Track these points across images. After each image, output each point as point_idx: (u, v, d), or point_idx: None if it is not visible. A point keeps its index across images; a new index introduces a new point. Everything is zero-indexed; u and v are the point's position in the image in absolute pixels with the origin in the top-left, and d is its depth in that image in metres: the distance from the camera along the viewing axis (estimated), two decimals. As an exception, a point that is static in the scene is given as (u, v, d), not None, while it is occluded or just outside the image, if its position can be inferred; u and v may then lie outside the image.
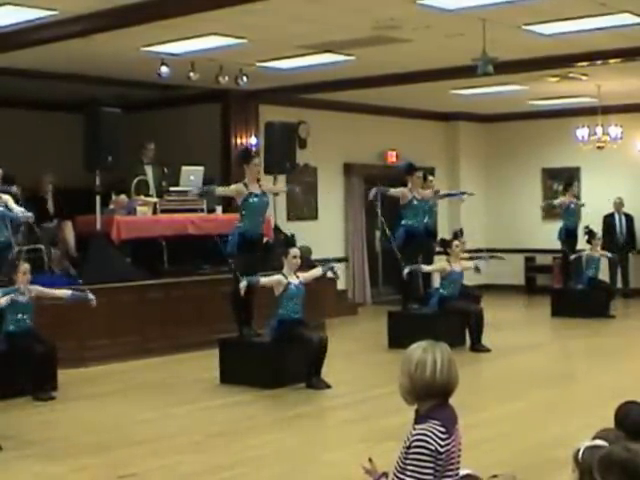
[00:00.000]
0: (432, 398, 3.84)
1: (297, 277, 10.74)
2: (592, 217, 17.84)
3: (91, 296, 10.56)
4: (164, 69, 13.30)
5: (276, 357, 10.84)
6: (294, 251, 10.79)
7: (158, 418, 9.34)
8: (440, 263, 13.61)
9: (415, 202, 13.57)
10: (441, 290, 13.34)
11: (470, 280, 15.95)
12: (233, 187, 11.60)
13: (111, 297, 12.36)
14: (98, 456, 7.87)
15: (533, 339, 14.35)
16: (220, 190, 12.06)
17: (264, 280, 10.67)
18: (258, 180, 11.74)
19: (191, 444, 8.28)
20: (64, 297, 10.61)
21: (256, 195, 11.30)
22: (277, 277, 10.64)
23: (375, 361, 12.50)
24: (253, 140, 16.81)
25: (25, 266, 10.36)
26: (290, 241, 11.01)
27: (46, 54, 12.43)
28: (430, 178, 14.51)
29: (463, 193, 15.63)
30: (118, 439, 8.45)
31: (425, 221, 13.78)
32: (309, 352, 10.54)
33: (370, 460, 4.05)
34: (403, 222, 13.64)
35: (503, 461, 7.40)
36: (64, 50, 12.13)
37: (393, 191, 13.69)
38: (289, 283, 10.58)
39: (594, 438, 4.01)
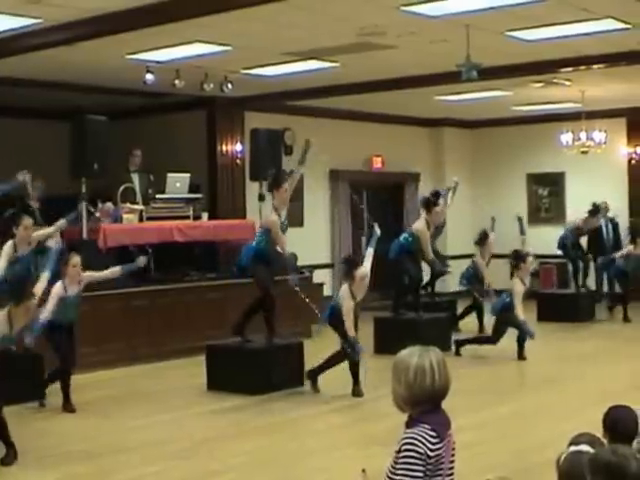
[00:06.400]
0: (428, 403, 3.83)
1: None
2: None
3: (141, 260, 10.55)
4: (149, 76, 13.30)
5: (263, 363, 10.87)
6: (362, 271, 10.68)
7: (146, 425, 9.34)
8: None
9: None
10: None
11: (457, 286, 16.05)
12: (273, 224, 10.91)
13: (98, 305, 12.35)
14: (88, 464, 7.88)
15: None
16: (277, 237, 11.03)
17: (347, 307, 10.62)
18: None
19: (180, 451, 8.30)
20: (118, 273, 10.58)
21: (283, 223, 11.01)
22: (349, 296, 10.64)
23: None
24: (239, 147, 16.83)
25: (76, 259, 10.06)
26: (355, 263, 10.93)
27: (31, 62, 12.42)
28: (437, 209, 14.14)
29: (449, 189, 15.56)
30: (107, 446, 8.46)
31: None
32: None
33: (363, 470, 4.04)
34: (402, 240, 13.62)
35: (492, 464, 7.45)
36: (49, 58, 12.11)
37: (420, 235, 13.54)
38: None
39: (570, 444, 4.05)
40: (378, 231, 11.41)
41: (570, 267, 17.99)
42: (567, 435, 4.20)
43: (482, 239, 15.44)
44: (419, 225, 13.61)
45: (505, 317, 12.85)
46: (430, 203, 13.64)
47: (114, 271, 10.57)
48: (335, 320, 10.68)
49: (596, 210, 17.18)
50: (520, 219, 14.79)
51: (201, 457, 8.10)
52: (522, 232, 14.46)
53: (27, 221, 10.57)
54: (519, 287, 12.84)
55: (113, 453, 8.22)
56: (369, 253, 11.10)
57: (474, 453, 7.46)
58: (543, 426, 8.93)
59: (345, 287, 10.69)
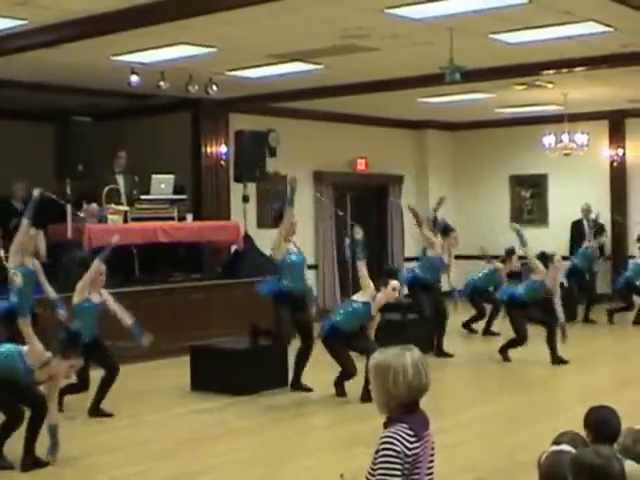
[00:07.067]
0: (412, 403, 3.86)
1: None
2: (561, 224, 17.95)
3: (146, 340, 9.96)
4: (134, 78, 13.29)
5: (247, 364, 10.90)
6: (396, 283, 10.62)
7: (131, 425, 9.38)
8: None
9: (440, 262, 13.53)
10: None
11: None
12: (280, 239, 10.84)
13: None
14: (71, 464, 7.90)
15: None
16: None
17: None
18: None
19: (163, 451, 8.34)
20: (126, 324, 9.92)
21: (294, 253, 10.96)
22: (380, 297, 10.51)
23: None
24: (223, 149, 16.85)
25: (102, 267, 9.71)
26: (393, 273, 10.81)
27: (16, 64, 12.40)
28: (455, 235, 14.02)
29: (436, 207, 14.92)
30: (91, 447, 8.48)
31: (437, 277, 13.81)
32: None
33: (341, 476, 4.07)
34: (417, 271, 13.64)
35: (473, 464, 7.50)
36: (34, 59, 12.11)
37: (428, 234, 13.41)
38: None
39: (553, 443, 4.11)
40: (359, 235, 10.84)
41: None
42: (550, 435, 4.26)
43: (508, 255, 15.39)
44: (437, 250, 13.43)
45: (515, 312, 12.99)
46: (448, 228, 13.70)
47: (127, 321, 9.98)
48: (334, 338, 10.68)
49: (601, 229, 17.27)
50: (518, 231, 13.05)
51: (185, 457, 8.13)
52: (523, 244, 12.85)
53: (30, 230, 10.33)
54: (541, 268, 12.77)
55: (98, 453, 8.24)
56: (361, 265, 10.51)
57: (455, 453, 7.52)
58: (526, 426, 8.99)
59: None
